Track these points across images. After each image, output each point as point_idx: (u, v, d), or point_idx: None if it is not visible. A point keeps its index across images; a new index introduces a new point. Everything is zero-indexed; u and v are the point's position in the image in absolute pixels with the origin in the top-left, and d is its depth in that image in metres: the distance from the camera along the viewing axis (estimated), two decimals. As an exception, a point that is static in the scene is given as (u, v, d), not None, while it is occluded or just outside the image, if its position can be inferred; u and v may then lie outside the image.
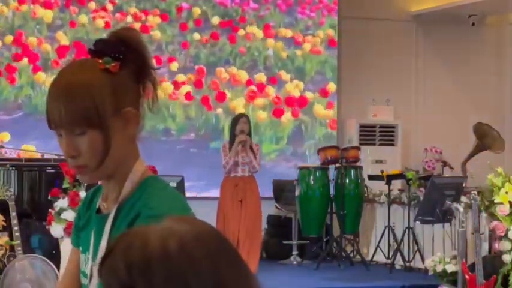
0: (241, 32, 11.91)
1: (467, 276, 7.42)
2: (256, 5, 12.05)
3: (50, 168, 9.25)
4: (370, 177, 10.66)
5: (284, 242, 10.74)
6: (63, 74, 1.88)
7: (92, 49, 1.89)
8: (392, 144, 12.22)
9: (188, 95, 11.58)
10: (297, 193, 10.54)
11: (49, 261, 7.22)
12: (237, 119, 9.47)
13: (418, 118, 12.60)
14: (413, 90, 12.67)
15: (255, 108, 11.81)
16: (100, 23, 11.35)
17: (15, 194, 8.39)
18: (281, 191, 11.07)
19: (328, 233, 10.54)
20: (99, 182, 2.02)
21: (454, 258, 8.19)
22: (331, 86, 12.15)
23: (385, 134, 12.22)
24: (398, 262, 10.08)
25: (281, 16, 12.15)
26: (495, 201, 7.97)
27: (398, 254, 10.03)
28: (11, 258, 7.43)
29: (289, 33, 12.10)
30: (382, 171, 10.68)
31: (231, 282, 1.27)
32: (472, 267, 7.49)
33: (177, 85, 11.55)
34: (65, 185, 7.87)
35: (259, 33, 12.01)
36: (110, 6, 11.43)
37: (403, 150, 12.25)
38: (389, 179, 10.36)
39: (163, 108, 11.31)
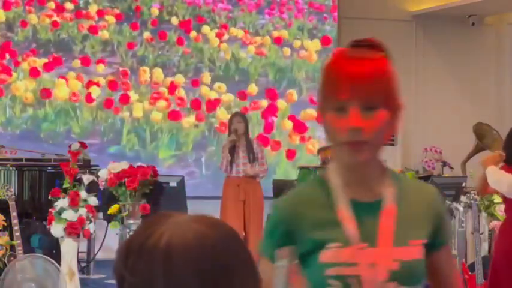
0: (192, 33, 11.76)
1: (466, 276, 7.43)
2: (230, 6, 11.98)
3: (50, 168, 9.27)
4: (370, 177, 10.66)
5: (284, 241, 10.74)
6: (362, 56, 2.05)
7: (366, 44, 2.18)
8: (392, 144, 12.23)
9: (89, 96, 11.31)
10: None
11: (51, 260, 7.23)
12: (231, 118, 9.47)
13: (418, 118, 12.61)
14: (413, 90, 12.67)
15: (155, 111, 11.50)
16: (52, 23, 11.30)
17: (16, 193, 8.39)
18: (281, 190, 11.07)
19: (328, 232, 10.54)
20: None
21: (454, 258, 8.19)
22: (252, 88, 11.94)
23: (385, 134, 12.23)
24: (398, 262, 10.08)
25: (251, 17, 12.07)
26: (495, 201, 7.98)
27: (398, 253, 10.03)
28: (11, 258, 7.44)
29: (240, 33, 11.96)
30: (382, 171, 10.69)
31: (240, 274, 1.32)
32: (471, 267, 7.50)
33: (91, 85, 11.32)
34: (65, 185, 7.88)
35: (212, 35, 11.86)
36: (70, 5, 11.36)
37: (403, 150, 12.26)
38: (389, 178, 10.37)
39: (70, 110, 11.17)
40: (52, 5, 11.27)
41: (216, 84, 11.76)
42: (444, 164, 11.97)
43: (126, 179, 7.85)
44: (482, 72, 12.92)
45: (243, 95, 11.85)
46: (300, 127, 12.02)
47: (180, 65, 11.70)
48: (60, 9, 11.32)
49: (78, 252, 7.92)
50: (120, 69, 11.46)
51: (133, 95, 11.46)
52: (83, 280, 7.93)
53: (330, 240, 1.92)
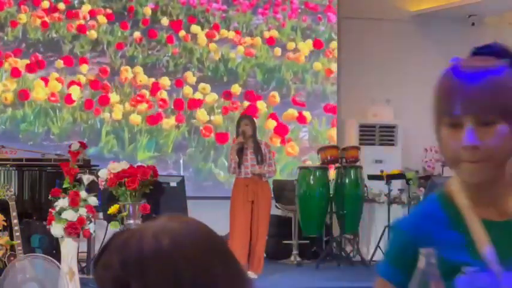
0: (182, 33, 11.71)
1: (467, 276, 7.43)
2: (225, 6, 11.93)
3: (50, 168, 9.26)
4: (370, 177, 10.67)
5: (284, 241, 10.75)
6: (477, 66, 1.89)
7: (488, 50, 1.97)
8: (392, 144, 12.23)
9: (69, 97, 11.25)
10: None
11: (52, 259, 7.23)
12: (239, 121, 9.48)
13: (418, 118, 12.61)
14: (413, 90, 12.67)
15: (134, 113, 11.42)
16: (42, 23, 11.26)
17: (16, 193, 8.39)
18: (281, 190, 11.08)
19: (328, 232, 10.55)
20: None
21: None
22: (236, 88, 11.85)
23: (385, 134, 12.23)
24: (398, 262, 10.09)
25: (246, 17, 12.02)
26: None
27: (398, 253, 10.03)
28: (12, 258, 7.44)
29: (231, 34, 11.91)
30: (382, 171, 10.70)
31: (222, 278, 1.30)
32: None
33: (72, 85, 11.25)
34: (66, 185, 7.88)
35: (202, 35, 11.80)
36: (63, 6, 11.34)
37: (403, 150, 12.26)
38: (389, 179, 10.38)
39: (50, 111, 11.10)
40: (46, 4, 11.25)
41: (201, 85, 11.70)
42: (444, 164, 11.96)
43: (126, 179, 7.85)
44: (482, 72, 12.91)
45: (228, 95, 11.79)
46: (281, 129, 11.93)
47: (169, 66, 11.65)
48: (53, 9, 11.29)
49: (78, 252, 7.91)
50: (105, 69, 11.41)
51: (114, 96, 11.38)
52: (83, 280, 7.93)
53: (465, 263, 1.78)
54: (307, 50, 12.20)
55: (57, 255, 7.65)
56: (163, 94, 11.56)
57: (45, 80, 11.20)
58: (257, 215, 9.22)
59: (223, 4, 11.94)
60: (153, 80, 11.57)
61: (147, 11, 11.66)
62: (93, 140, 11.20)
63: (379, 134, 12.21)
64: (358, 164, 10.67)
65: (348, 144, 11.34)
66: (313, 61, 12.22)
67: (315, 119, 12.14)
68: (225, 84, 11.83)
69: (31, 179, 9.16)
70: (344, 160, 10.48)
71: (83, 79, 11.32)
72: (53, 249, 8.17)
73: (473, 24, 12.70)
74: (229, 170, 9.44)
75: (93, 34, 11.41)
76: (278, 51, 12.09)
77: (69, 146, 8.61)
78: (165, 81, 11.60)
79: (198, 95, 11.68)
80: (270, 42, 12.10)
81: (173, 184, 8.67)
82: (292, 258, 10.64)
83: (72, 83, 11.26)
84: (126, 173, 7.90)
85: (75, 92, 11.25)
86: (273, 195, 11.05)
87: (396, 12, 12.56)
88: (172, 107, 11.57)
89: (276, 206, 10.98)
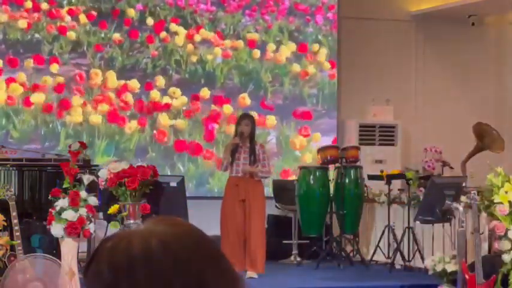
0: (163, 34, 11.57)
1: (466, 276, 7.43)
2: (214, 8, 11.81)
3: (50, 168, 9.27)
4: (370, 177, 10.67)
5: (284, 241, 10.75)
6: None
7: None
8: (392, 144, 12.23)
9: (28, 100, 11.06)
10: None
11: (53, 258, 7.23)
12: (239, 120, 9.47)
13: (418, 118, 12.61)
14: (413, 90, 12.68)
15: (94, 115, 11.23)
16: (23, 23, 11.14)
17: (16, 193, 8.39)
18: (281, 190, 11.08)
19: (328, 232, 10.54)
20: None
21: (454, 258, 8.19)
22: (205, 92, 11.67)
23: (385, 134, 12.23)
24: (398, 262, 10.09)
25: (234, 18, 11.90)
26: (495, 201, 7.98)
27: (398, 253, 10.04)
28: (12, 258, 7.44)
29: (211, 35, 11.75)
30: (382, 171, 10.69)
31: (213, 280, 1.28)
32: (471, 267, 7.50)
33: (36, 88, 11.07)
34: (66, 185, 7.88)
35: (182, 37, 11.65)
36: (46, 6, 11.21)
37: (403, 150, 12.26)
38: (389, 178, 10.37)
39: (11, 113, 10.92)
40: (29, 4, 11.11)
41: (171, 89, 11.50)
42: (444, 164, 11.96)
43: (126, 179, 7.85)
44: (482, 72, 12.92)
45: (196, 99, 11.57)
46: None
47: (147, 68, 11.49)
48: (36, 8, 11.14)
49: (78, 252, 7.91)
50: (76, 71, 11.23)
51: (77, 99, 11.16)
52: (83, 280, 7.94)
53: None
54: (288, 52, 12.03)
55: (57, 255, 7.65)
56: (129, 97, 11.32)
57: (11, 81, 10.96)
58: (249, 214, 9.23)
59: (212, 5, 11.82)
60: (123, 82, 11.33)
61: (131, 12, 11.51)
62: (54, 144, 10.99)
63: (379, 134, 12.21)
64: (358, 164, 10.67)
65: (348, 144, 11.34)
66: (292, 63, 12.03)
67: (283, 124, 11.94)
68: (201, 86, 11.65)
69: (31, 179, 9.16)
70: (344, 160, 10.47)
71: (49, 81, 11.10)
72: (53, 249, 8.17)
73: (473, 24, 12.70)
74: (220, 167, 9.46)
75: (72, 35, 11.24)
76: (257, 53, 11.90)
77: (69, 146, 8.61)
78: (135, 83, 11.39)
79: (166, 99, 11.44)
80: (251, 44, 11.91)
81: (173, 184, 8.67)
82: (292, 258, 10.64)
83: (35, 86, 11.01)
84: (126, 173, 7.90)
85: (38, 95, 11.02)
86: (273, 195, 11.08)
87: (396, 12, 12.56)
88: (135, 111, 11.33)
89: (276, 206, 10.98)
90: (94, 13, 11.40)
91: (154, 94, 11.48)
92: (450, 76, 12.77)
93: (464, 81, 12.82)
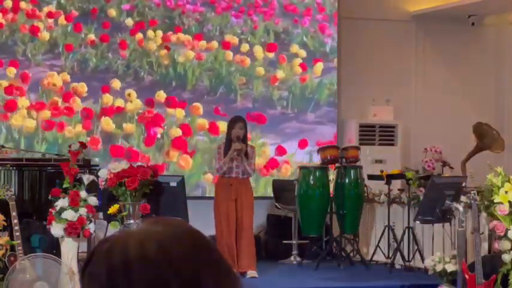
0: (139, 36, 11.39)
1: (466, 276, 7.43)
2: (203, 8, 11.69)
3: (50, 168, 9.26)
4: (370, 177, 10.67)
5: (284, 241, 10.75)
6: None
7: None
8: (392, 144, 12.23)
9: None
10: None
11: (54, 257, 7.24)
12: (233, 123, 9.47)
13: (418, 118, 12.61)
14: (413, 90, 12.67)
15: (30, 119, 10.90)
16: None
17: (16, 193, 8.39)
18: (281, 190, 11.08)
19: (328, 232, 10.54)
20: None
21: (454, 257, 8.19)
22: (160, 95, 11.39)
23: (385, 134, 12.23)
24: (398, 262, 10.09)
25: (222, 19, 11.77)
26: (495, 200, 7.98)
27: (398, 253, 10.04)
28: (12, 258, 7.44)
29: (186, 37, 11.54)
30: (381, 171, 10.70)
31: (211, 280, 1.28)
32: (471, 267, 7.50)
33: None
34: (66, 185, 7.89)
35: (158, 38, 11.48)
36: (26, 5, 11.06)
37: (402, 150, 12.26)
38: (389, 178, 10.37)
39: None
40: (9, 3, 10.96)
41: (127, 91, 11.23)
42: (444, 164, 11.96)
43: (126, 179, 7.85)
44: (482, 72, 12.92)
45: (150, 103, 11.30)
46: (178, 142, 11.33)
47: (118, 70, 11.28)
48: (15, 8, 10.99)
49: (78, 252, 7.92)
50: (48, 72, 11.04)
51: (24, 101, 10.87)
52: (83, 280, 7.92)
53: None
54: (262, 54, 11.82)
55: (57, 255, 7.65)
56: (77, 101, 11.03)
57: None
58: (241, 213, 9.37)
59: (201, 6, 11.68)
60: (75, 84, 11.09)
61: (112, 13, 11.36)
62: None
63: (379, 134, 12.21)
64: (358, 164, 10.67)
65: (348, 144, 11.33)
66: (264, 66, 11.81)
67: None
68: (173, 89, 11.43)
69: (31, 179, 9.15)
70: (344, 160, 10.47)
71: (4, 82, 10.87)
72: (53, 249, 8.17)
73: (473, 24, 12.70)
74: (218, 171, 9.49)
75: (45, 36, 11.06)
76: (230, 55, 11.70)
77: (69, 146, 8.61)
78: (83, 87, 11.09)
79: (119, 102, 11.16)
80: (226, 46, 11.71)
81: (173, 184, 8.67)
82: (292, 258, 10.64)
83: None
84: (126, 173, 7.91)
85: None
86: (273, 195, 11.08)
87: (396, 12, 12.56)
88: (80, 116, 11.02)
89: (276, 206, 10.98)
90: (75, 13, 11.19)
91: (107, 98, 11.16)
92: (450, 76, 12.77)
93: (464, 81, 12.81)
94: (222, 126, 11.06)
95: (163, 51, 11.51)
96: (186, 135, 11.40)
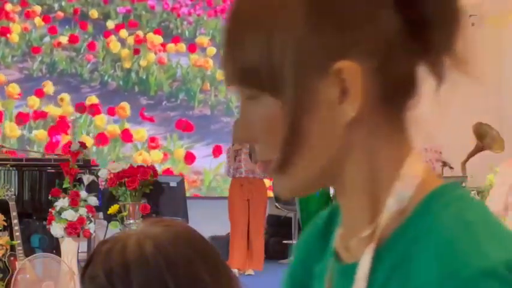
0: (110, 38, 11.28)
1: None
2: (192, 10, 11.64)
3: (50, 168, 9.26)
4: (370, 177, 10.67)
5: (284, 241, 10.76)
6: None
7: None
8: (392, 144, 12.23)
9: None
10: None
11: (55, 256, 7.24)
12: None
13: (417, 118, 12.60)
14: (413, 90, 12.69)
15: None
16: None
17: (16, 193, 8.39)
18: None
19: (328, 232, 10.55)
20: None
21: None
22: (93, 99, 11.21)
23: (385, 134, 12.23)
24: (398, 262, 10.09)
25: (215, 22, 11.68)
26: (495, 201, 7.97)
27: (398, 253, 10.04)
28: (12, 258, 7.44)
29: (158, 39, 11.45)
30: (382, 171, 10.70)
31: (209, 281, 1.29)
32: (471, 267, 7.49)
33: None
34: (66, 185, 7.89)
35: (131, 40, 11.38)
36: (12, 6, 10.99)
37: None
38: (389, 178, 10.38)
39: None
40: None
41: (60, 95, 11.05)
42: (444, 164, 11.96)
43: (126, 179, 7.85)
44: (482, 72, 12.91)
45: (82, 108, 11.13)
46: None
47: (83, 74, 11.15)
48: None
49: (78, 252, 7.92)
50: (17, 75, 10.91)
51: None
52: (83, 280, 7.93)
53: None
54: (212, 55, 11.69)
55: (57, 255, 7.65)
56: (36, 102, 10.93)
57: None
58: (253, 213, 9.51)
59: (198, 9, 11.65)
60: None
61: (94, 13, 11.26)
62: None
63: (379, 134, 12.22)
64: (358, 164, 10.67)
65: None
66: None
67: (168, 137, 11.42)
68: (135, 94, 11.33)
69: (31, 179, 9.15)
70: (344, 160, 10.48)
71: None
72: (53, 249, 8.17)
73: (473, 24, 12.70)
74: (228, 173, 9.68)
75: (14, 37, 10.94)
76: (194, 58, 11.61)
77: (69, 146, 8.61)
78: (15, 89, 10.89)
79: (49, 108, 10.93)
80: (191, 49, 11.64)
81: (173, 184, 8.68)
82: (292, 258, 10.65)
83: None
84: (126, 173, 7.91)
85: None
86: (273, 195, 11.09)
87: (396, 12, 12.56)
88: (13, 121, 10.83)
89: (276, 206, 10.99)
90: (51, 16, 11.07)
91: (32, 101, 10.93)
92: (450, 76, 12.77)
93: (463, 81, 12.80)
94: (141, 133, 10.99)
95: (124, 54, 11.29)
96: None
